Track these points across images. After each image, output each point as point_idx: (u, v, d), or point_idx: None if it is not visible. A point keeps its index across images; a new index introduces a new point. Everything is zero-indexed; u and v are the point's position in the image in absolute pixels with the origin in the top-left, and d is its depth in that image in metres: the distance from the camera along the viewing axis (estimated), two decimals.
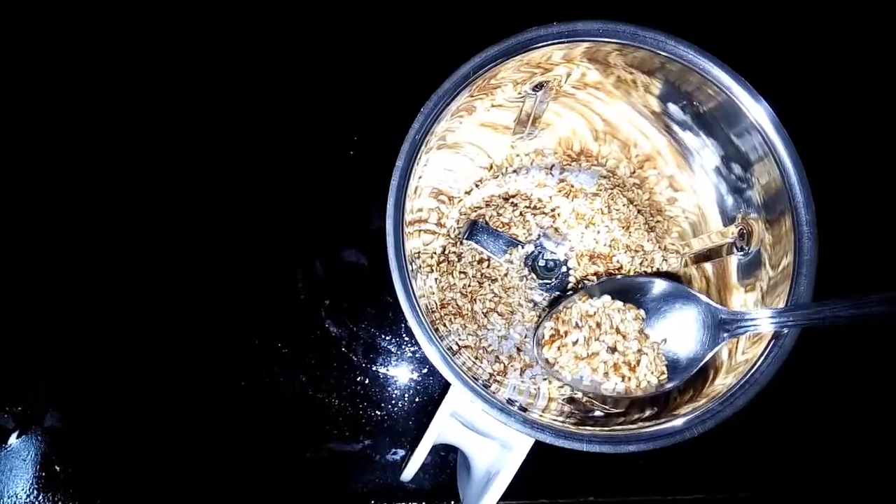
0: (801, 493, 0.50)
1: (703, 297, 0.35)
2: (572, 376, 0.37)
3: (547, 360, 0.37)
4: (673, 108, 0.39)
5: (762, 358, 0.32)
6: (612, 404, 0.41)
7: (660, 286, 0.36)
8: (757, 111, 0.34)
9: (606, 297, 0.37)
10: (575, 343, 0.37)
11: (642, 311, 0.37)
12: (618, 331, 0.36)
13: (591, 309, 0.37)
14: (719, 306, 0.35)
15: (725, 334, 0.34)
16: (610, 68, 0.38)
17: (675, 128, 0.40)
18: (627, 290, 0.37)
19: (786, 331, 0.32)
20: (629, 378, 0.36)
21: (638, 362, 0.36)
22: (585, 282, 0.46)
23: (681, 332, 0.36)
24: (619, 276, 0.45)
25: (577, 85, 0.40)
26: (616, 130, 0.43)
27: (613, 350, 0.36)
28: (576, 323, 0.37)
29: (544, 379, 0.44)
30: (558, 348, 0.37)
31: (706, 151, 0.39)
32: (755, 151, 0.35)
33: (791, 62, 0.53)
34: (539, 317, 0.45)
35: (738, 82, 0.34)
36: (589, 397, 0.41)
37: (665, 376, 0.36)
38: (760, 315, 0.33)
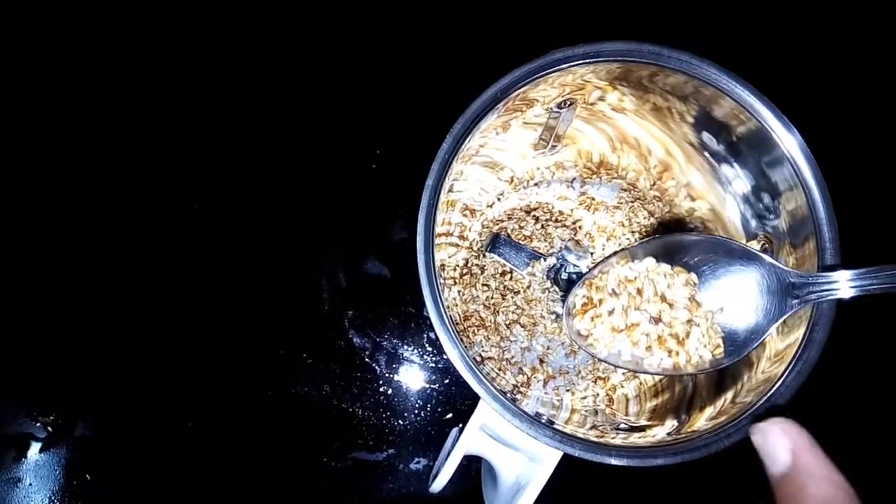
0: None
1: (768, 258, 0.31)
2: (609, 351, 0.32)
3: (579, 333, 0.33)
4: (707, 137, 0.38)
5: (787, 371, 0.32)
6: (636, 414, 0.41)
7: (715, 245, 0.32)
8: (780, 129, 0.34)
9: (650, 260, 0.33)
10: (611, 313, 0.32)
11: (694, 276, 0.32)
12: (663, 298, 0.32)
13: (630, 273, 0.33)
14: (787, 268, 0.31)
15: (794, 301, 0.30)
16: (647, 94, 0.38)
17: (711, 159, 0.40)
18: (676, 251, 0.33)
19: (872, 292, 0.28)
20: (677, 352, 0.32)
21: (688, 334, 0.32)
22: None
23: (740, 299, 0.31)
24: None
25: (616, 108, 0.41)
26: (628, 137, 0.44)
27: (658, 321, 0.32)
28: (612, 290, 0.33)
29: (567, 390, 0.45)
30: (591, 319, 0.33)
31: (738, 182, 0.39)
32: (784, 180, 0.35)
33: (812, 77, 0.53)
34: (561, 329, 0.46)
35: (764, 103, 0.34)
36: (612, 409, 0.41)
37: (721, 350, 0.32)
38: (839, 277, 0.29)
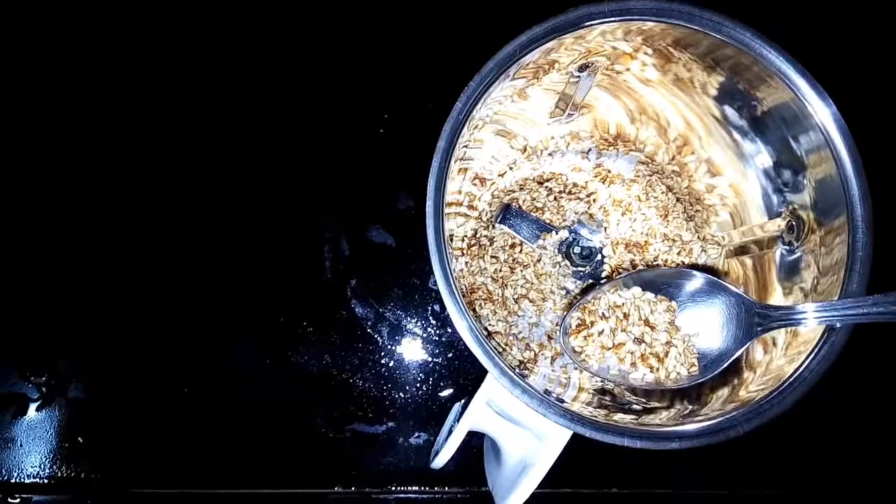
0: (827, 493, 0.49)
1: (737, 290, 0.35)
2: (599, 365, 0.37)
3: (573, 349, 0.37)
4: (730, 112, 0.38)
5: (813, 355, 0.31)
6: (644, 395, 0.40)
7: (692, 278, 0.36)
8: (812, 97, 0.32)
9: (637, 289, 0.37)
10: (601, 333, 0.37)
11: (674, 304, 0.37)
12: (647, 322, 0.36)
13: (619, 300, 0.37)
14: (754, 300, 0.34)
15: (759, 329, 0.33)
16: (669, 64, 0.36)
17: (733, 133, 0.39)
18: (660, 282, 0.37)
19: (836, 325, 0.31)
20: (657, 369, 0.36)
21: (666, 354, 0.36)
22: (620, 270, 0.45)
23: (713, 325, 0.35)
24: (651, 268, 0.45)
25: (638, 77, 0.39)
26: (647, 108, 0.42)
27: (640, 341, 0.36)
28: (602, 313, 0.37)
29: (575, 368, 0.43)
30: (584, 338, 0.37)
31: (760, 157, 0.39)
32: (813, 153, 0.34)
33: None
34: (571, 305, 0.44)
35: (798, 71, 0.32)
36: (621, 389, 0.40)
37: (696, 368, 0.35)
38: (804, 309, 0.32)
